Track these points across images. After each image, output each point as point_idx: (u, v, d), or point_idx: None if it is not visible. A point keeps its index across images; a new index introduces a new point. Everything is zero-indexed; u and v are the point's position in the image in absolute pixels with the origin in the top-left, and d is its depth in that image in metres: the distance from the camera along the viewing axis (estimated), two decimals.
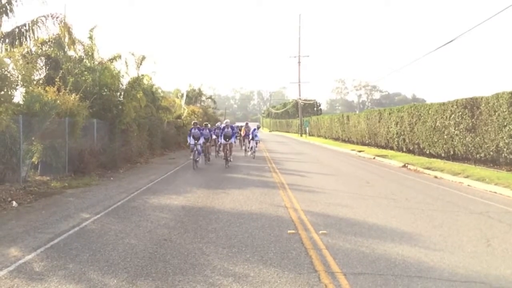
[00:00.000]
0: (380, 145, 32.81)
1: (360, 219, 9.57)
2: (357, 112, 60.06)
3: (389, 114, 30.54)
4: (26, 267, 6.28)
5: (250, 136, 27.35)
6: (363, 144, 36.81)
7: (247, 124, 29.99)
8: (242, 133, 30.19)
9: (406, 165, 21.65)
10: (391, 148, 30.28)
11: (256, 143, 27.29)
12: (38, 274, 5.98)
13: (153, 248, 7.29)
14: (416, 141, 25.76)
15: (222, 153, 24.15)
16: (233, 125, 27.13)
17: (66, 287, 5.53)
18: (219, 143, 25.07)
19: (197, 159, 20.77)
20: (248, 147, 27.99)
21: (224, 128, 22.55)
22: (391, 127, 30.04)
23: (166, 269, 6.22)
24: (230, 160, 21.72)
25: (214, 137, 25.40)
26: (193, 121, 24.72)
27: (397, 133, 28.89)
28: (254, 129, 27.18)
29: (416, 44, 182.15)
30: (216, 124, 31.94)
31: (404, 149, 27.98)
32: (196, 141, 20.97)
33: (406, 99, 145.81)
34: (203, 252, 7.09)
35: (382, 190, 14.06)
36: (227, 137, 21.88)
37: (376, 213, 10.27)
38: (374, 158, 26.82)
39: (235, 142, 23.42)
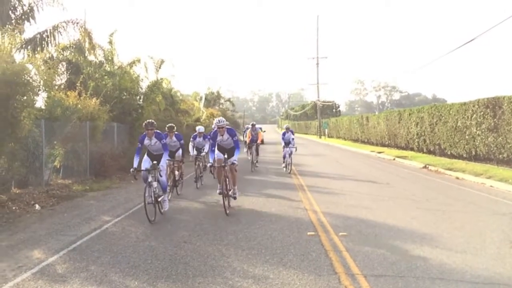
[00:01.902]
0: (400, 146, 32.48)
1: (380, 221, 9.49)
2: (377, 113, 59.61)
3: (409, 114, 30.21)
4: (49, 269, 6.37)
5: (283, 143, 19.57)
6: (383, 145, 36.49)
7: (253, 126, 22.25)
8: (248, 138, 21.43)
9: (427, 166, 21.40)
10: (412, 149, 29.95)
11: (290, 155, 19.35)
12: (60, 276, 6.07)
13: (173, 250, 7.34)
14: (437, 142, 25.44)
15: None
16: (231, 128, 12.93)
17: None
18: (193, 154, 15.91)
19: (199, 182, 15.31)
20: (255, 158, 21.05)
21: (215, 133, 11.03)
22: (411, 128, 29.72)
23: (186, 271, 6.25)
24: (234, 197, 11.06)
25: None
26: (198, 127, 16.65)
27: (417, 134, 28.57)
28: (285, 133, 19.69)
29: (436, 44, 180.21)
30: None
31: (425, 150, 27.65)
32: (197, 154, 15.70)
33: (426, 99, 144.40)
34: (222, 254, 7.12)
35: (403, 191, 13.92)
36: (223, 151, 11.36)
37: (397, 215, 10.17)
38: (394, 159, 26.58)
39: (235, 161, 10.91)
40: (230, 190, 10.83)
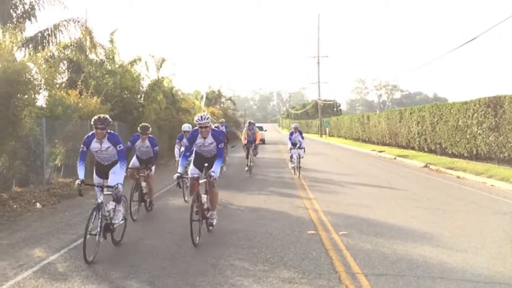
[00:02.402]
0: (401, 145, 32.46)
1: (381, 220, 9.49)
2: (378, 112, 59.53)
3: (410, 113, 30.19)
4: (50, 268, 6.39)
5: (290, 144, 17.72)
6: (384, 144, 36.46)
7: (251, 124, 18.81)
8: (244, 138, 18.77)
9: (428, 165, 21.38)
10: (412, 148, 29.93)
11: (299, 158, 17.38)
12: (61, 274, 6.08)
13: (174, 249, 7.35)
14: (438, 141, 25.42)
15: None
16: (218, 130, 14.70)
17: (89, 287, 5.61)
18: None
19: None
20: (252, 161, 18.27)
21: (194, 133, 8.30)
22: (412, 127, 29.70)
23: (187, 269, 6.26)
24: (211, 223, 8.50)
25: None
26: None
27: (418, 133, 28.55)
28: (293, 133, 17.94)
29: (437, 42, 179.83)
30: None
31: (426, 149, 27.64)
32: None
33: (427, 98, 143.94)
34: (223, 252, 7.12)
35: (403, 190, 13.92)
36: (201, 161, 8.55)
37: (397, 214, 10.17)
38: (395, 158, 26.57)
39: (213, 174, 7.88)
40: (207, 213, 8.22)
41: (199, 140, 8.15)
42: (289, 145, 17.85)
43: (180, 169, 7.89)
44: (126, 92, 20.63)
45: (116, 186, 7.07)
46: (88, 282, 5.78)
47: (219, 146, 8.15)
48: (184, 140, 12.58)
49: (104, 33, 43.61)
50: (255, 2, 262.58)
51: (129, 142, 10.00)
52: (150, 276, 5.99)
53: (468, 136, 21.43)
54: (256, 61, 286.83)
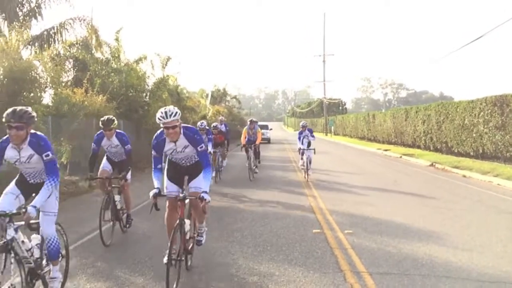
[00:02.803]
0: (406, 144, 32.35)
1: (386, 219, 9.47)
2: (383, 110, 59.37)
3: (416, 112, 30.08)
4: None
5: (300, 144, 16.10)
6: (389, 143, 36.36)
7: (252, 122, 17.17)
8: (243, 139, 16.78)
9: (434, 164, 21.30)
10: (418, 147, 29.82)
11: (308, 159, 15.78)
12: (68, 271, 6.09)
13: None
14: (444, 140, 25.31)
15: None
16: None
17: (95, 285, 5.64)
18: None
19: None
20: (253, 164, 16.50)
21: (160, 137, 5.79)
22: (418, 126, 29.60)
23: (192, 268, 6.27)
24: (199, 241, 6.53)
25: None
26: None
27: (424, 132, 28.45)
28: (302, 132, 16.20)
29: (444, 41, 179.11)
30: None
31: (432, 148, 27.53)
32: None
33: (433, 97, 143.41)
34: (228, 251, 7.13)
35: (409, 189, 13.88)
36: (179, 172, 6.27)
37: (403, 213, 10.15)
38: (400, 157, 26.49)
39: (204, 195, 5.56)
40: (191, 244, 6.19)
41: (169, 146, 5.74)
42: (298, 145, 16.14)
43: (156, 184, 5.52)
44: (132, 91, 20.69)
45: (28, 210, 4.47)
46: (94, 280, 5.81)
47: (199, 149, 5.73)
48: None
49: (110, 31, 43.75)
50: (261, 0, 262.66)
51: (93, 144, 8.24)
52: (155, 274, 6.01)
53: (474, 135, 21.33)
54: (262, 60, 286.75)
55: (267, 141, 43.85)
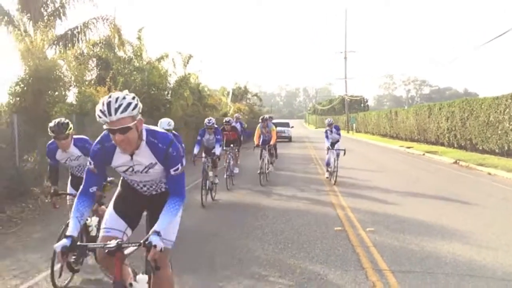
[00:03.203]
0: (429, 141, 31.96)
1: (409, 217, 9.37)
2: (406, 107, 58.68)
3: (440, 109, 29.68)
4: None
5: (328, 144, 14.63)
6: (412, 140, 35.95)
7: (265, 120, 15.20)
8: (256, 139, 14.88)
9: (458, 161, 20.98)
10: (442, 144, 29.43)
11: (337, 159, 14.29)
12: (91, 267, 6.17)
13: (200, 243, 7.41)
14: (468, 137, 24.92)
15: None
16: (236, 122, 16.71)
17: None
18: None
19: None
20: (268, 166, 14.72)
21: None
22: (441, 123, 29.19)
23: (213, 264, 6.31)
24: None
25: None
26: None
27: (448, 129, 28.05)
28: (328, 131, 14.87)
29: (468, 36, 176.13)
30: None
31: (456, 145, 27.14)
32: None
33: (457, 93, 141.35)
34: (249, 248, 7.15)
35: (432, 187, 13.71)
36: (138, 202, 4.01)
37: (426, 210, 10.03)
38: (423, 154, 26.16)
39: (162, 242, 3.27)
40: None
41: (120, 160, 3.57)
42: (326, 144, 14.71)
43: (71, 230, 3.25)
44: (154, 89, 20.88)
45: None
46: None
47: (172, 172, 3.60)
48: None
49: (132, 30, 44.16)
50: None
51: (47, 159, 6.53)
52: (176, 270, 6.04)
53: (499, 132, 20.95)
54: (283, 57, 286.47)
55: (288, 139, 42.35)
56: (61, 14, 16.33)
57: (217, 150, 11.12)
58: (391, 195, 12.05)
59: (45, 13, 15.91)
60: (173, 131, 8.72)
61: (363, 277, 5.76)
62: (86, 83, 16.82)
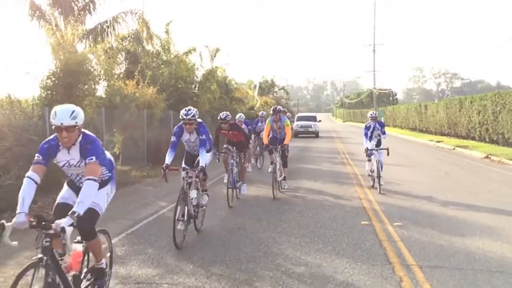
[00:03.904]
0: (460, 135, 31.35)
1: (438, 212, 9.22)
2: (436, 101, 57.63)
3: (471, 102, 29.06)
4: None
5: (367, 143, 12.17)
6: (442, 134, 35.33)
7: (277, 112, 11.70)
8: (265, 137, 11.78)
9: (489, 156, 20.51)
10: (473, 139, 28.83)
11: (380, 164, 11.75)
12: (120, 257, 6.30)
13: (227, 236, 7.45)
14: (500, 131, 24.34)
15: None
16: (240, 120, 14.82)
17: (146, 271, 5.79)
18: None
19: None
20: (279, 173, 11.44)
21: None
22: (472, 116, 28.58)
23: (239, 256, 6.34)
24: None
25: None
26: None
27: (479, 123, 27.45)
28: (370, 126, 12.26)
29: (501, 27, 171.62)
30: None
31: (487, 140, 26.54)
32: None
33: (490, 86, 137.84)
34: (275, 241, 7.16)
35: (462, 182, 13.46)
36: None
37: (455, 206, 9.84)
38: (454, 148, 25.67)
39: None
40: None
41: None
42: (365, 144, 12.16)
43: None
44: (181, 82, 21.06)
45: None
46: (145, 266, 5.97)
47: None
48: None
49: (160, 24, 44.47)
50: None
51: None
52: (203, 262, 6.11)
53: None
54: (310, 50, 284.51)
55: (315, 135, 38.13)
56: (91, 9, 16.54)
57: (203, 160, 7.38)
58: (419, 190, 11.86)
59: (75, 7, 16.13)
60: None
61: (390, 271, 5.70)
62: (115, 76, 17.05)
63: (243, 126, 14.11)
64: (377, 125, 12.31)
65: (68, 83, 11.53)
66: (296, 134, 34.48)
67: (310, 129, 38.27)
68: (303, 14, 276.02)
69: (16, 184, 8.18)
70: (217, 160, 10.12)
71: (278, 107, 12.24)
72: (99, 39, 16.35)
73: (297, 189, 12.01)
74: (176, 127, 7.83)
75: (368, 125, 12.35)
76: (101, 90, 14.93)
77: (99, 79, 13.64)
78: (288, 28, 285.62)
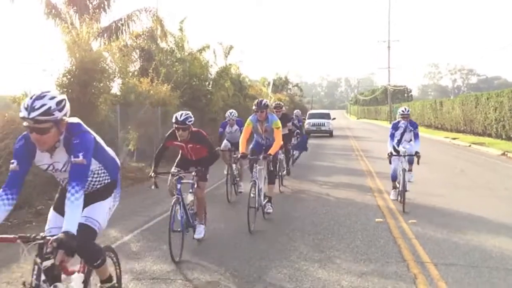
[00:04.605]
0: (476, 132, 31.00)
1: (453, 209, 9.14)
2: (452, 97, 57.05)
3: (487, 99, 28.70)
4: (125, 247, 6.68)
5: (390, 146, 9.58)
6: (458, 131, 34.96)
7: (263, 105, 8.21)
8: (243, 144, 8.23)
9: (506, 153, 20.25)
10: (489, 135, 28.49)
11: (406, 172, 9.34)
12: (135, 253, 6.37)
13: (240, 233, 7.46)
14: None
15: None
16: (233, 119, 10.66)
17: (160, 267, 5.84)
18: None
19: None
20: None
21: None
22: (489, 113, 28.24)
23: (253, 253, 6.35)
24: None
25: None
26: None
27: (496, 119, 27.11)
28: (398, 124, 9.92)
29: None
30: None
31: (504, 137, 26.20)
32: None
33: (507, 83, 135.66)
34: (289, 238, 7.16)
35: (478, 179, 13.32)
36: None
37: (471, 203, 9.75)
38: (469, 145, 25.39)
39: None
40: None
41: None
42: (389, 148, 9.52)
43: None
44: (195, 79, 21.14)
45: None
46: (160, 261, 6.02)
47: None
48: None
49: (174, 21, 44.52)
50: None
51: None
52: (216, 259, 6.13)
53: None
54: (324, 47, 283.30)
55: (329, 134, 34.66)
56: (106, 7, 16.67)
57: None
58: (434, 187, 11.78)
59: (90, 6, 16.27)
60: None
61: (405, 269, 5.67)
62: (130, 74, 17.17)
63: (235, 127, 10.78)
64: (409, 125, 9.88)
65: (83, 80, 11.63)
66: (307, 134, 33.75)
67: (323, 128, 34.70)
68: (317, 10, 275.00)
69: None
70: (151, 187, 6.79)
71: (264, 100, 8.57)
72: (113, 37, 16.48)
73: (311, 186, 11.99)
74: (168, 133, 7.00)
75: (396, 124, 9.86)
76: (116, 87, 15.06)
77: (114, 77, 13.75)
78: (302, 25, 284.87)
